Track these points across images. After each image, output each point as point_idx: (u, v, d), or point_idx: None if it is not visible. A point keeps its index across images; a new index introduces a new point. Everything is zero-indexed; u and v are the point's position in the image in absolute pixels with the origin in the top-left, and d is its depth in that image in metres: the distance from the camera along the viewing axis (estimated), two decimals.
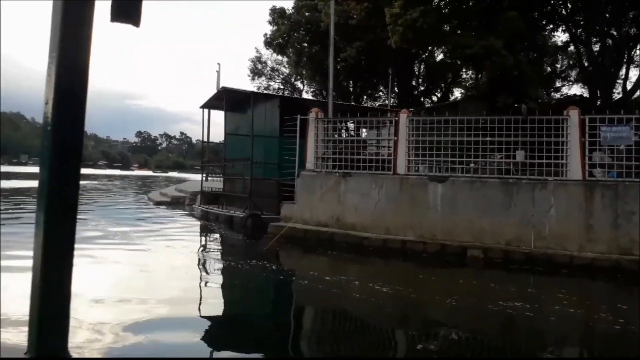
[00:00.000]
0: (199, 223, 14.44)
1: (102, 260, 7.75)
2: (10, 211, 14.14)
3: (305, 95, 32.77)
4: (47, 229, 1.30)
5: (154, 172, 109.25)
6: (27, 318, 1.49)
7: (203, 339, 4.61)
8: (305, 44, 27.06)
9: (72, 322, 1.32)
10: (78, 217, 1.43)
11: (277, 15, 27.21)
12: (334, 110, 13.47)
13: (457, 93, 31.57)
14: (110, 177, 54.62)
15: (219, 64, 26.25)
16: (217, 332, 4.92)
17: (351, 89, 29.00)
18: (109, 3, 1.46)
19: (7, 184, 28.87)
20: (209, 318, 5.37)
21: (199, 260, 8.92)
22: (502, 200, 9.33)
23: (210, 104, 16.86)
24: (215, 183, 17.97)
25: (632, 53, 20.73)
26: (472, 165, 10.14)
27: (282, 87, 35.29)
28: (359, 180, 10.74)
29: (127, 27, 1.51)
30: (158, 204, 19.95)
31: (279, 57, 32.48)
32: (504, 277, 8.30)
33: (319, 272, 8.00)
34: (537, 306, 6.18)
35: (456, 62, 23.50)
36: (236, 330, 5.06)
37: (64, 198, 1.32)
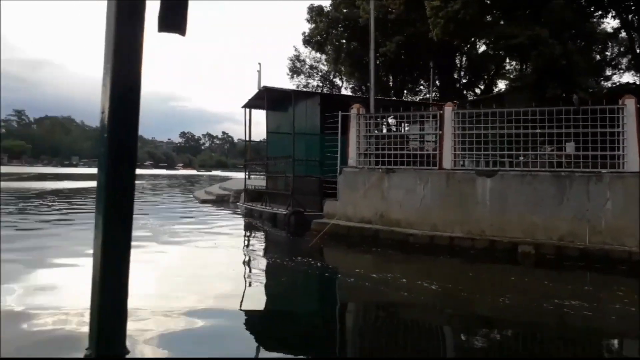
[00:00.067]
0: (243, 220, 14.66)
1: (154, 258, 7.99)
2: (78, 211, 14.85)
3: (344, 92, 32.77)
4: (105, 231, 1.35)
5: (197, 171, 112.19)
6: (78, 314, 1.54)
7: (253, 333, 4.69)
8: (344, 41, 27.04)
9: (129, 314, 1.40)
10: None
11: (315, 13, 27.37)
12: (375, 106, 13.37)
13: (501, 85, 30.73)
14: (156, 177, 56.31)
15: (259, 63, 26.41)
16: (266, 328, 4.97)
17: (391, 83, 28.72)
18: (156, 14, 1.48)
19: (61, 184, 30.30)
20: (258, 313, 5.42)
21: (245, 257, 9.06)
22: (554, 194, 9.00)
23: (251, 104, 17.04)
24: (258, 181, 18.18)
25: None
26: (521, 158, 9.82)
27: (320, 84, 35.42)
28: (403, 176, 10.60)
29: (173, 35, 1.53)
30: (203, 202, 20.39)
31: (318, 55, 32.65)
32: (557, 274, 7.99)
33: (364, 269, 7.93)
34: (596, 305, 5.90)
35: (500, 53, 22.84)
36: (286, 326, 5.10)
37: (121, 201, 1.37)
